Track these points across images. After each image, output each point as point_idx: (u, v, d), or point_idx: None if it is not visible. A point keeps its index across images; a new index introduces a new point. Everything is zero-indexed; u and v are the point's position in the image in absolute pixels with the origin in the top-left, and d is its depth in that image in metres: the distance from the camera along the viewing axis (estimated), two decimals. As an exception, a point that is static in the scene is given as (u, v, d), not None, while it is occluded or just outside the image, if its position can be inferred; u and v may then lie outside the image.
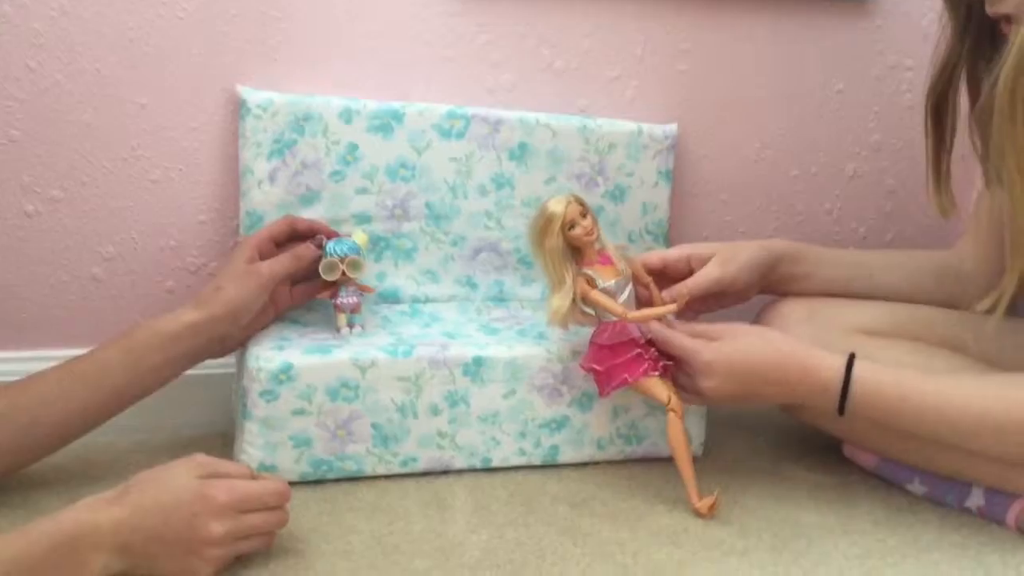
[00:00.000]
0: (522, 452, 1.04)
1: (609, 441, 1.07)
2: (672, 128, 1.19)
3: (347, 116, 1.08)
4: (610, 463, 1.07)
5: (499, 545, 0.90)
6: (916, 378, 0.93)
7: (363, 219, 1.10)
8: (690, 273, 1.05)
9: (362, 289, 1.04)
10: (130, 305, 1.11)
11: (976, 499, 0.99)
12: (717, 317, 1.07)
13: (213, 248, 1.11)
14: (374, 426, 0.99)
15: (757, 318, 1.11)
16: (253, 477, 0.86)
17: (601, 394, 1.00)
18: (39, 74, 1.03)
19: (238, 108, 1.06)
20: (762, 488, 1.04)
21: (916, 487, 1.03)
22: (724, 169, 1.25)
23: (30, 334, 1.09)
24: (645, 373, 0.98)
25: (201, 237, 1.11)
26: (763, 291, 1.10)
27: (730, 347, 0.96)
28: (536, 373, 1.03)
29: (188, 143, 1.08)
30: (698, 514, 0.96)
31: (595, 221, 0.98)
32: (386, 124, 1.09)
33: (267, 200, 1.07)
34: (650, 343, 0.99)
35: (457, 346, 1.02)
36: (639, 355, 0.98)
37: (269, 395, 0.96)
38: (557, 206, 0.96)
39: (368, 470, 1.01)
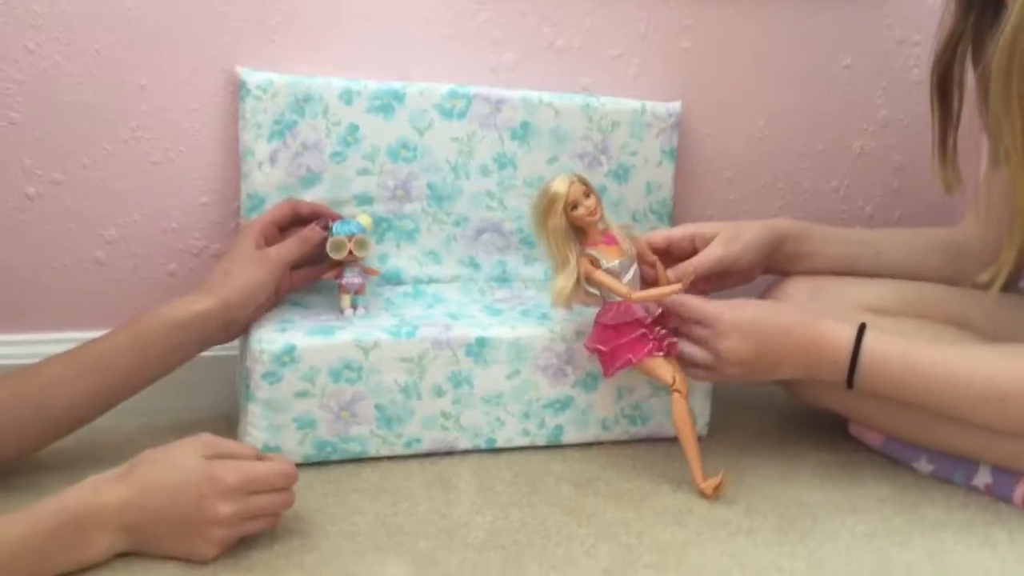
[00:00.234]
0: (526, 433, 1.04)
1: (614, 421, 1.07)
2: (676, 106, 1.18)
3: (347, 97, 1.07)
4: (614, 443, 1.07)
5: (503, 525, 0.90)
6: (925, 347, 0.93)
7: (364, 200, 1.10)
8: (694, 252, 1.05)
9: (367, 271, 1.04)
10: (133, 288, 1.11)
11: (983, 477, 0.99)
12: (722, 297, 1.06)
13: (215, 230, 1.11)
14: (377, 407, 0.99)
15: (762, 297, 1.10)
16: (259, 458, 0.86)
17: (606, 375, 1.00)
18: (38, 55, 1.03)
19: (238, 89, 1.06)
20: (768, 467, 1.04)
21: (923, 465, 1.03)
22: (729, 147, 1.24)
23: (33, 317, 1.09)
24: (649, 353, 0.97)
25: (203, 219, 1.10)
26: (767, 271, 1.10)
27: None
28: (540, 353, 1.03)
29: (188, 124, 1.08)
30: (703, 495, 0.96)
31: (598, 201, 0.97)
32: (387, 104, 1.08)
33: (268, 182, 1.06)
34: (655, 322, 0.98)
35: (460, 327, 1.01)
36: (643, 335, 0.97)
37: (272, 377, 0.96)
38: (560, 186, 0.96)
39: (372, 451, 1.00)
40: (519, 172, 1.14)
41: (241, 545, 0.84)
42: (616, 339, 0.98)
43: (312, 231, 1.02)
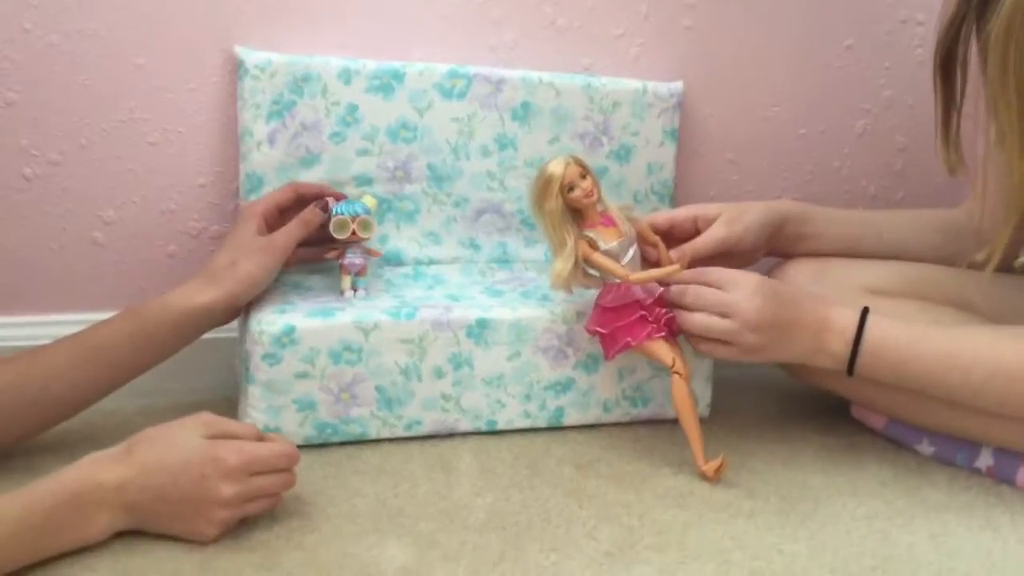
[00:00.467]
0: (527, 415, 1.04)
1: (615, 403, 1.06)
2: (678, 86, 1.17)
3: (346, 76, 1.06)
4: (616, 425, 1.07)
5: (504, 507, 0.90)
6: (928, 328, 0.93)
7: (364, 181, 1.09)
8: (697, 233, 1.04)
9: (369, 252, 1.03)
10: (132, 270, 1.10)
11: (985, 459, 0.98)
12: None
13: (214, 212, 1.10)
14: (378, 389, 0.99)
15: (765, 278, 1.10)
16: (260, 438, 0.85)
17: (606, 357, 0.99)
18: (34, 35, 1.02)
19: (236, 69, 1.05)
20: (769, 450, 1.03)
21: (925, 448, 1.02)
22: (731, 127, 1.23)
23: (31, 299, 1.09)
24: (649, 336, 0.97)
25: (202, 200, 1.10)
26: (770, 253, 1.10)
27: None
28: (540, 335, 1.02)
29: (186, 105, 1.07)
30: (704, 477, 0.96)
31: (595, 182, 0.97)
32: (386, 84, 1.08)
33: (267, 162, 1.06)
34: (656, 304, 0.98)
35: (460, 308, 1.01)
36: (643, 317, 0.97)
37: (272, 359, 0.96)
38: (555, 168, 0.95)
39: (372, 433, 1.00)
40: (520, 153, 1.13)
41: (241, 526, 0.83)
42: (616, 321, 0.97)
43: (313, 214, 1.01)
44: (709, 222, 1.04)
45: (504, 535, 0.85)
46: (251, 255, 0.97)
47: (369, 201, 1.03)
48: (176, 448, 0.80)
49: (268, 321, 0.96)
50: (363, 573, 0.79)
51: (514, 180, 1.13)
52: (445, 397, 1.01)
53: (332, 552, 0.82)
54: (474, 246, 1.14)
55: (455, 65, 1.10)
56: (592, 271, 0.98)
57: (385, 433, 1.01)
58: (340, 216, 1.00)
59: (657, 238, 1.02)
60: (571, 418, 1.05)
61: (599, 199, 0.97)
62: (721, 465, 0.95)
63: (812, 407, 1.13)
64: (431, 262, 1.13)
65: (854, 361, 0.93)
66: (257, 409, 0.97)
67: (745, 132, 1.24)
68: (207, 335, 1.04)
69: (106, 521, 0.78)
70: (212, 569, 0.79)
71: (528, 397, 1.03)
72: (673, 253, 1.02)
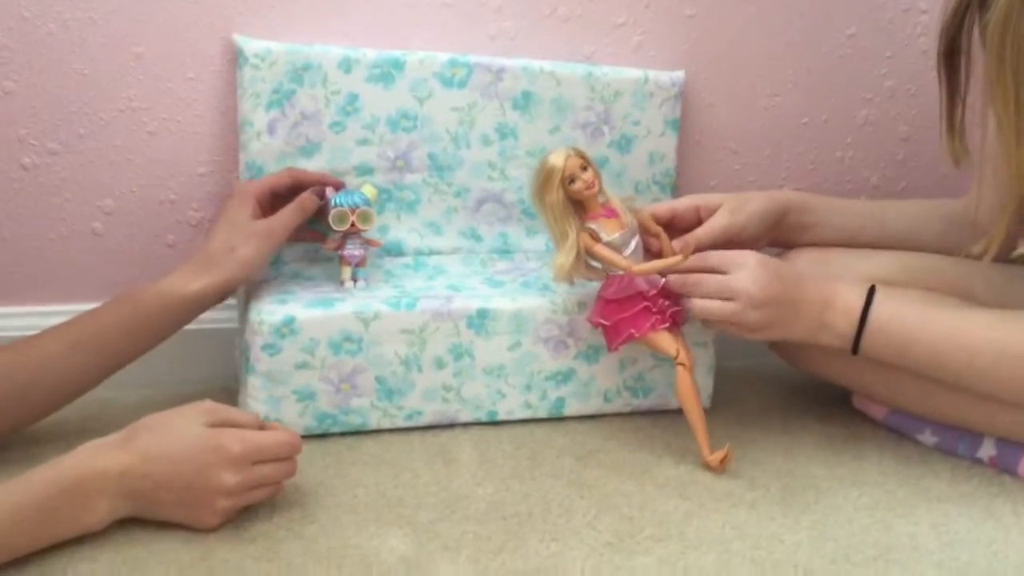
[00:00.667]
0: (528, 405, 1.04)
1: (616, 393, 1.06)
2: (679, 75, 1.16)
3: (346, 65, 1.06)
4: (617, 415, 1.07)
5: (505, 497, 0.90)
6: (934, 308, 0.93)
7: (365, 171, 1.08)
8: (699, 223, 1.04)
9: (369, 243, 1.03)
10: (131, 260, 1.10)
11: (988, 449, 0.98)
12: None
13: (213, 202, 1.10)
14: (378, 379, 0.99)
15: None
16: (262, 426, 0.85)
17: (609, 349, 0.99)
18: (32, 24, 1.01)
19: (235, 58, 1.04)
20: (771, 440, 1.03)
21: (927, 438, 1.02)
22: (733, 117, 1.23)
23: (29, 289, 1.08)
24: (652, 327, 0.96)
25: (201, 190, 1.09)
26: (771, 243, 1.09)
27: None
28: (541, 325, 1.02)
29: (185, 94, 1.06)
30: (709, 468, 0.95)
31: (596, 174, 0.96)
32: (386, 73, 1.07)
33: (267, 152, 1.05)
34: (659, 295, 0.97)
35: (461, 298, 1.01)
36: (646, 308, 0.97)
37: (272, 349, 0.95)
38: (556, 160, 0.94)
39: (373, 424, 1.00)
40: (520, 142, 1.12)
41: (242, 517, 0.83)
42: (619, 313, 0.97)
43: (310, 200, 1.01)
44: (711, 211, 1.04)
45: (505, 525, 0.85)
46: (249, 240, 0.96)
47: (369, 191, 1.03)
48: (178, 436, 0.80)
49: (268, 311, 0.96)
50: (363, 563, 0.79)
51: (515, 170, 1.13)
52: (446, 387, 1.01)
53: (332, 542, 0.82)
54: (475, 236, 1.14)
55: (455, 54, 1.09)
56: (594, 263, 0.98)
57: (385, 423, 1.00)
58: (339, 208, 1.00)
59: (659, 229, 1.02)
60: (572, 408, 1.05)
61: (600, 191, 0.97)
62: (726, 456, 0.95)
63: (813, 397, 1.13)
64: (432, 252, 1.13)
65: (860, 339, 0.93)
66: (257, 399, 0.96)
67: (747, 122, 1.23)
68: (207, 325, 1.04)
69: (106, 509, 0.78)
70: (212, 559, 0.79)
71: (529, 387, 1.03)
72: (676, 243, 1.01)
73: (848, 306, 0.94)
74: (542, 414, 1.04)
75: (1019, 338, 0.89)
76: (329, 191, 1.02)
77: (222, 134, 1.08)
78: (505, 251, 1.15)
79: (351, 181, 1.07)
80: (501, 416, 1.03)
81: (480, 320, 1.00)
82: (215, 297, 0.95)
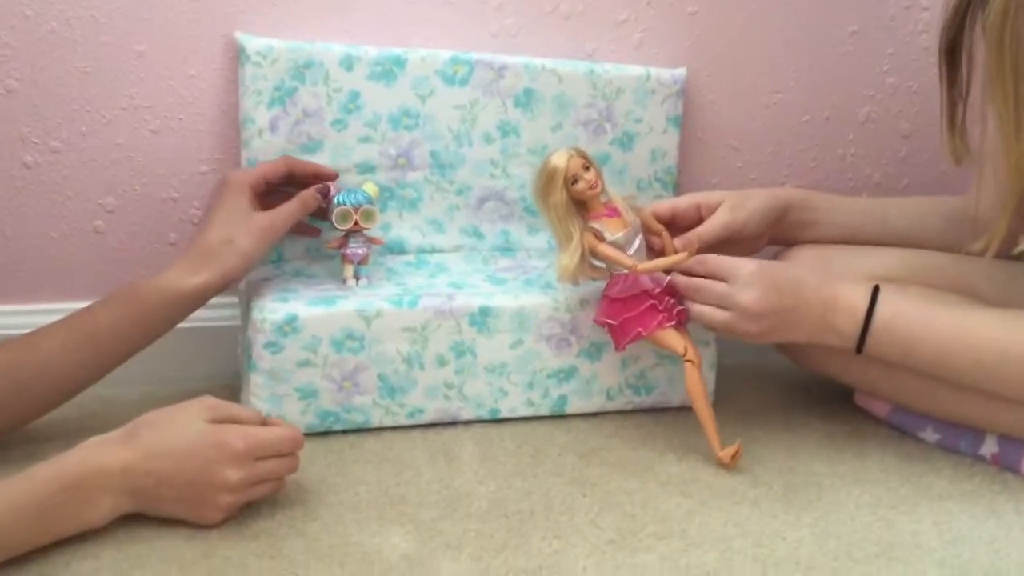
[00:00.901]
0: (530, 403, 1.04)
1: (618, 391, 1.06)
2: (681, 73, 1.16)
3: (348, 63, 1.06)
4: (619, 413, 1.07)
5: (507, 495, 0.90)
6: (939, 308, 0.93)
7: (366, 169, 1.08)
8: (700, 221, 1.04)
9: (371, 241, 1.03)
10: (133, 258, 1.10)
11: (990, 446, 0.98)
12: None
13: (215, 200, 1.10)
14: (380, 377, 0.99)
15: (769, 265, 1.10)
16: (264, 422, 0.85)
17: (617, 348, 0.99)
18: (34, 22, 1.01)
19: (237, 55, 1.04)
20: (773, 437, 1.03)
21: (929, 435, 1.02)
22: (734, 114, 1.23)
23: (31, 287, 1.08)
24: (660, 325, 0.96)
25: (203, 188, 1.09)
26: (773, 240, 1.09)
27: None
28: (543, 323, 1.02)
29: (187, 92, 1.06)
30: (721, 464, 0.95)
31: (599, 173, 0.96)
32: (388, 71, 1.07)
33: (268, 150, 1.05)
34: (664, 293, 0.97)
35: (463, 296, 1.01)
36: (653, 306, 0.97)
37: (274, 347, 0.95)
38: (558, 160, 0.95)
39: (375, 421, 1.00)
40: (522, 140, 1.12)
41: (243, 514, 0.83)
42: (625, 312, 0.97)
43: (313, 198, 1.00)
44: (712, 209, 1.04)
45: (507, 523, 0.85)
46: (250, 233, 0.95)
47: (370, 188, 1.03)
48: (181, 432, 0.80)
49: (270, 309, 0.96)
50: (365, 561, 0.79)
51: (517, 167, 1.13)
52: (448, 385, 1.01)
53: (334, 540, 0.82)
54: (477, 234, 1.14)
55: (457, 52, 1.09)
56: (598, 263, 0.98)
57: (387, 421, 1.00)
58: (343, 206, 1.00)
59: (661, 227, 1.02)
60: (574, 406, 1.05)
61: (603, 190, 0.97)
62: (737, 451, 0.95)
63: (815, 395, 1.13)
64: (434, 250, 1.13)
65: (864, 340, 0.93)
66: (259, 397, 0.97)
67: (749, 119, 1.23)
68: (209, 323, 1.05)
69: (109, 505, 0.78)
70: (214, 556, 0.79)
71: (531, 385, 1.03)
72: (678, 241, 1.01)
73: (852, 307, 0.93)
74: (544, 412, 1.04)
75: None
76: (333, 190, 1.02)
77: (224, 132, 1.08)
78: (507, 249, 1.15)
79: (353, 179, 1.07)
80: (503, 414, 1.03)
81: (482, 318, 1.00)
82: (214, 291, 0.95)
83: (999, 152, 0.93)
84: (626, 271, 0.96)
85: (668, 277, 0.98)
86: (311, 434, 0.97)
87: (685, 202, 1.05)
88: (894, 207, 1.12)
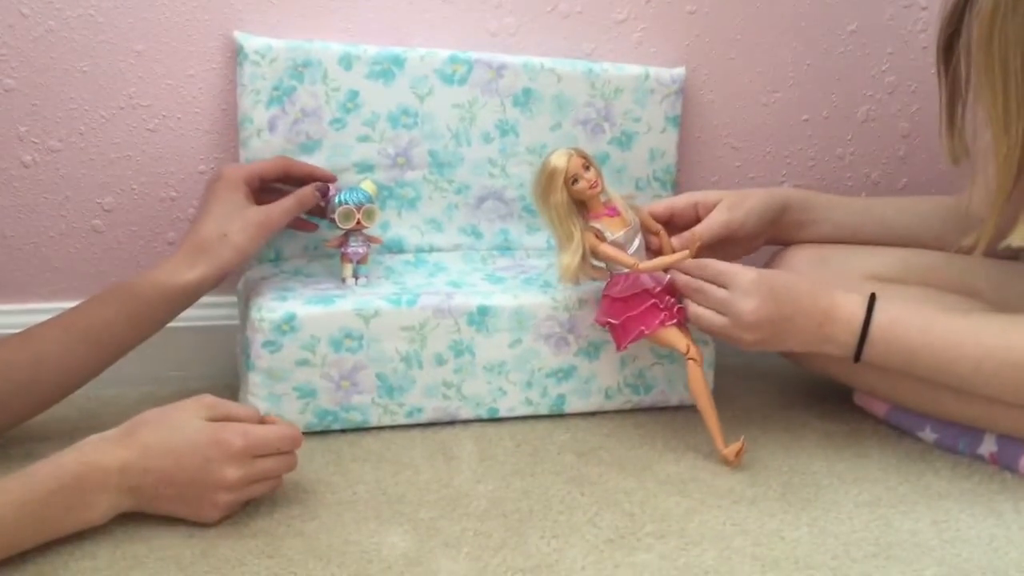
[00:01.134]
0: (529, 402, 1.04)
1: (617, 390, 1.06)
2: (680, 72, 1.16)
3: (347, 62, 1.05)
4: (618, 412, 1.07)
5: (506, 494, 0.90)
6: (937, 314, 0.93)
7: (365, 168, 1.08)
8: (698, 220, 1.04)
9: (370, 240, 1.03)
10: (132, 257, 1.10)
11: (988, 446, 0.98)
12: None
13: (214, 199, 1.10)
14: (379, 376, 0.99)
15: (767, 267, 1.09)
16: (262, 420, 0.85)
17: (618, 348, 0.99)
18: (32, 21, 1.01)
19: (235, 54, 1.04)
20: (771, 437, 1.03)
21: (927, 435, 1.02)
22: (733, 113, 1.23)
23: (30, 286, 1.08)
24: (662, 324, 0.97)
25: (201, 187, 1.08)
26: (771, 241, 1.09)
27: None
28: (542, 322, 1.02)
29: (186, 91, 1.06)
30: (726, 461, 0.95)
31: (599, 173, 0.96)
32: (387, 70, 1.07)
33: (267, 149, 1.05)
34: (664, 292, 0.97)
35: (462, 295, 1.00)
36: (654, 305, 0.97)
37: (272, 346, 0.95)
38: (559, 160, 0.94)
39: (373, 421, 1.00)
40: (521, 139, 1.12)
41: (242, 513, 0.83)
42: (626, 311, 0.97)
43: (311, 197, 1.00)
44: (710, 208, 1.04)
45: (505, 522, 0.85)
46: (245, 228, 0.95)
47: (368, 186, 1.03)
48: (179, 431, 0.80)
49: (269, 308, 0.96)
50: (364, 560, 0.79)
51: (516, 167, 1.13)
52: (446, 384, 1.01)
53: (333, 539, 0.82)
54: (475, 233, 1.14)
55: (456, 51, 1.09)
56: (598, 262, 0.98)
57: (386, 420, 1.00)
58: (347, 206, 0.99)
59: (659, 226, 1.02)
60: (573, 405, 1.05)
61: (603, 189, 0.97)
62: (741, 448, 0.95)
63: (814, 394, 1.13)
64: (432, 249, 1.13)
65: (861, 349, 0.93)
66: (258, 396, 0.96)
67: (747, 118, 1.23)
68: (207, 323, 1.05)
69: (107, 504, 0.78)
70: (213, 556, 0.79)
71: (529, 384, 1.03)
72: (675, 240, 1.01)
73: (849, 317, 0.93)
74: (543, 411, 1.04)
75: (1023, 345, 0.89)
76: (332, 190, 1.02)
77: (222, 131, 1.08)
78: (506, 248, 1.15)
79: (351, 178, 1.07)
80: (502, 413, 1.03)
81: (481, 317, 1.00)
82: (210, 285, 0.95)
83: (989, 151, 0.92)
84: (627, 270, 0.96)
85: (667, 276, 0.98)
86: (309, 433, 0.97)
87: (683, 201, 1.05)
88: (893, 207, 1.12)
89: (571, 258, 0.95)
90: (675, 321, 0.97)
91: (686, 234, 1.02)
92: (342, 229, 1.00)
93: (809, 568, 0.81)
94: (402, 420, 1.01)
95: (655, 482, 0.93)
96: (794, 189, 1.09)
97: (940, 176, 1.29)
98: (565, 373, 1.04)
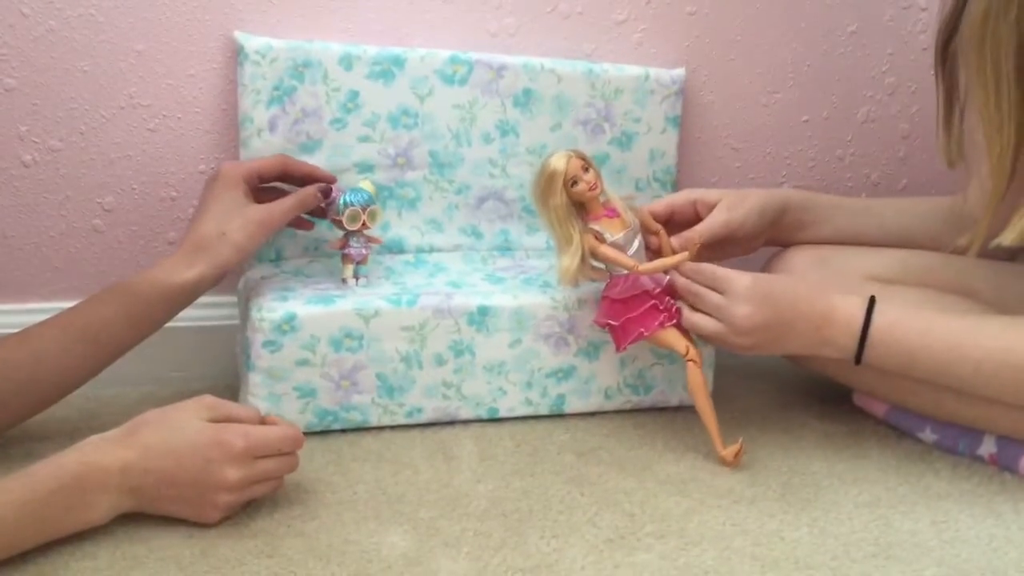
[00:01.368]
0: (528, 402, 1.04)
1: (616, 391, 1.06)
2: (680, 73, 1.16)
3: (347, 62, 1.06)
4: (617, 412, 1.07)
5: (505, 494, 0.90)
6: (936, 316, 0.93)
7: (365, 168, 1.08)
8: (697, 219, 1.04)
9: (370, 240, 1.03)
10: (132, 257, 1.10)
11: (988, 447, 0.98)
12: (727, 267, 1.05)
13: (214, 198, 1.10)
14: (379, 376, 0.99)
15: (766, 268, 1.10)
16: (262, 421, 0.85)
17: (618, 349, 0.99)
18: (33, 20, 1.01)
19: (236, 54, 1.04)
20: (771, 437, 1.03)
21: (927, 435, 1.02)
22: (733, 114, 1.23)
23: (30, 286, 1.08)
24: (661, 325, 0.97)
25: (201, 187, 1.08)
26: (770, 241, 1.09)
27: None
28: (542, 322, 1.02)
29: (186, 91, 1.06)
30: (724, 463, 0.95)
31: (598, 174, 0.96)
32: (387, 70, 1.07)
33: (267, 149, 1.05)
34: (664, 293, 0.97)
35: (462, 295, 1.01)
36: (654, 307, 0.97)
37: (272, 345, 0.95)
38: (558, 162, 0.94)
39: (373, 421, 1.00)
40: (521, 140, 1.12)
41: (242, 514, 0.83)
42: (626, 312, 0.97)
43: (313, 198, 1.00)
44: (709, 207, 1.04)
45: (505, 522, 0.85)
46: (244, 226, 0.94)
47: (367, 185, 1.03)
48: (180, 431, 0.80)
49: (269, 308, 0.96)
50: (364, 560, 0.79)
51: (516, 167, 1.13)
52: (446, 384, 1.01)
53: (333, 539, 0.82)
54: (476, 233, 1.14)
55: (456, 51, 1.09)
56: (597, 264, 0.98)
57: (386, 420, 1.00)
58: (353, 207, 0.99)
59: (659, 226, 1.02)
60: (572, 405, 1.05)
61: (602, 191, 0.97)
62: (740, 449, 0.95)
63: (814, 394, 1.13)
64: (432, 249, 1.13)
65: (861, 352, 0.93)
66: (258, 396, 0.97)
67: (748, 119, 1.23)
68: (208, 323, 1.05)
69: (108, 504, 0.78)
70: (213, 556, 0.79)
71: (529, 384, 1.03)
72: (677, 240, 1.01)
73: (848, 320, 0.93)
74: (543, 411, 1.04)
75: (1022, 347, 0.89)
76: (334, 191, 1.01)
77: (223, 131, 1.08)
78: (506, 248, 1.15)
79: (352, 178, 1.07)
80: (502, 413, 1.03)
81: (481, 317, 1.00)
82: (209, 284, 0.94)
83: (983, 152, 0.93)
84: (627, 272, 0.96)
85: (667, 277, 0.98)
86: (309, 433, 0.97)
87: (682, 198, 1.05)
88: (892, 208, 1.12)
89: (570, 260, 0.95)
90: (674, 322, 0.97)
91: (685, 234, 1.02)
92: (347, 230, 1.00)
93: (809, 568, 0.81)
94: (402, 420, 1.01)
95: (655, 482, 0.93)
96: (794, 190, 1.09)
97: (940, 177, 1.29)
98: (565, 373, 1.04)
